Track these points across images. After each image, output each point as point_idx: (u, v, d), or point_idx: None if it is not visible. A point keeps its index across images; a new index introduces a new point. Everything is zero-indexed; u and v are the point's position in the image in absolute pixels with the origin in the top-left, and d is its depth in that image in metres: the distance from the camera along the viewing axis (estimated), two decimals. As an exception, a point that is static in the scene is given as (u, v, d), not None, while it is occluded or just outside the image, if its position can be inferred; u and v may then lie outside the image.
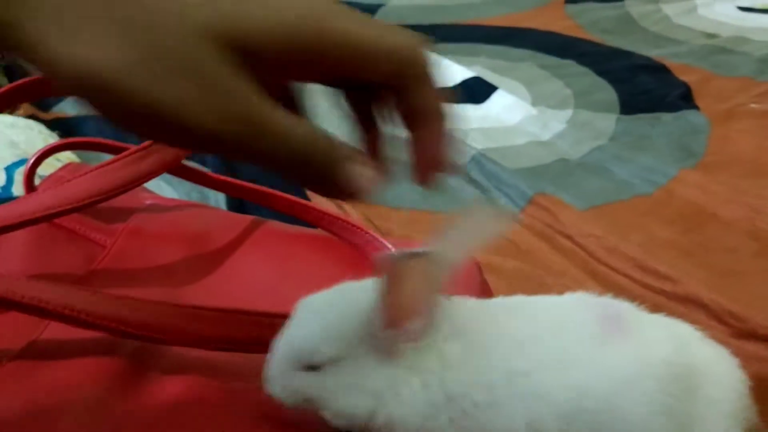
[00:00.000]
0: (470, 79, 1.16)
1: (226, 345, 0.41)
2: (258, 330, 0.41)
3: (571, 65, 1.25)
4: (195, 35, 0.25)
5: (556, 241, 0.77)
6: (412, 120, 0.31)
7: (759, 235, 0.76)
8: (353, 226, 0.57)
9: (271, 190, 0.60)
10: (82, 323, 0.37)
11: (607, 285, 0.70)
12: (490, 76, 1.19)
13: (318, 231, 0.60)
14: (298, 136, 0.27)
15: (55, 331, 0.40)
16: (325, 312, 0.36)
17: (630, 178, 0.89)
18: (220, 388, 0.39)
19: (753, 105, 1.06)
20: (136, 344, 0.40)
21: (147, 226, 0.55)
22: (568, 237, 0.76)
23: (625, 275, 0.71)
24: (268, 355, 0.37)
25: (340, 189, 0.29)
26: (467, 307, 0.39)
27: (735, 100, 1.08)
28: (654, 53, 1.27)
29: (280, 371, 0.36)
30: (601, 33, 1.39)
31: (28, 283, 0.37)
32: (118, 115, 0.26)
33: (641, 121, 1.04)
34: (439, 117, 0.31)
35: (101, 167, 0.50)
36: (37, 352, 0.39)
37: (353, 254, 0.57)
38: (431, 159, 0.31)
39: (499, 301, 0.41)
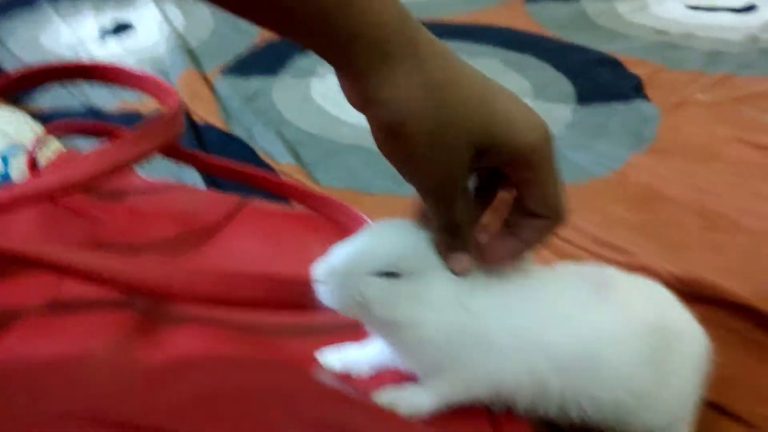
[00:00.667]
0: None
1: (226, 302, 0.45)
2: (253, 290, 0.45)
3: (530, 60, 1.31)
4: (468, 136, 0.37)
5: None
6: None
7: (705, 213, 0.83)
8: (335, 203, 0.61)
9: (257, 171, 0.64)
10: (99, 280, 0.41)
11: (567, 258, 0.75)
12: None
13: (300, 208, 0.64)
14: (460, 218, 0.40)
15: (72, 290, 0.44)
16: (407, 230, 0.42)
17: (586, 163, 0.95)
18: (226, 340, 0.44)
19: (700, 96, 1.13)
20: (146, 302, 0.44)
21: (142, 205, 0.59)
22: (531, 216, 0.82)
23: (584, 249, 0.76)
24: (330, 257, 0.42)
25: (448, 259, 0.41)
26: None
27: (684, 92, 1.15)
28: (608, 48, 1.33)
29: (349, 271, 0.40)
30: (558, 29, 1.45)
31: (48, 246, 0.41)
32: (392, 155, 0.38)
33: (596, 111, 1.11)
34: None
35: (100, 150, 0.53)
36: (58, 308, 0.43)
37: (335, 230, 0.61)
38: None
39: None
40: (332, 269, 0.41)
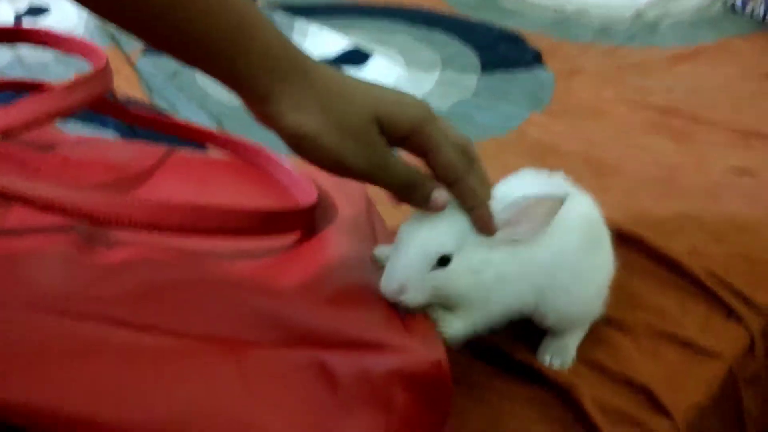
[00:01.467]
0: (352, 47, 1.29)
1: (160, 228, 0.50)
2: (182, 218, 0.50)
3: (439, 36, 1.40)
4: (364, 116, 0.45)
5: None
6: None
7: (592, 161, 0.93)
8: (255, 149, 0.67)
9: (182, 121, 0.69)
10: (42, 206, 0.45)
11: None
12: (369, 46, 1.31)
13: (224, 155, 0.70)
14: (405, 173, 0.47)
15: (15, 222, 0.48)
16: (441, 220, 0.49)
17: (489, 123, 1.04)
18: (161, 254, 0.49)
19: (590, 64, 1.24)
20: (87, 228, 0.49)
21: (74, 155, 0.63)
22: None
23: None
24: (390, 269, 0.48)
25: (428, 206, 0.48)
26: None
27: (576, 61, 1.25)
28: (511, 25, 1.43)
29: (415, 273, 0.48)
30: (467, 9, 1.54)
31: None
32: (312, 158, 0.45)
33: (499, 79, 1.20)
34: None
35: (33, 98, 0.57)
36: (5, 233, 0.47)
37: (258, 173, 0.67)
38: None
39: None
40: (403, 281, 0.48)
